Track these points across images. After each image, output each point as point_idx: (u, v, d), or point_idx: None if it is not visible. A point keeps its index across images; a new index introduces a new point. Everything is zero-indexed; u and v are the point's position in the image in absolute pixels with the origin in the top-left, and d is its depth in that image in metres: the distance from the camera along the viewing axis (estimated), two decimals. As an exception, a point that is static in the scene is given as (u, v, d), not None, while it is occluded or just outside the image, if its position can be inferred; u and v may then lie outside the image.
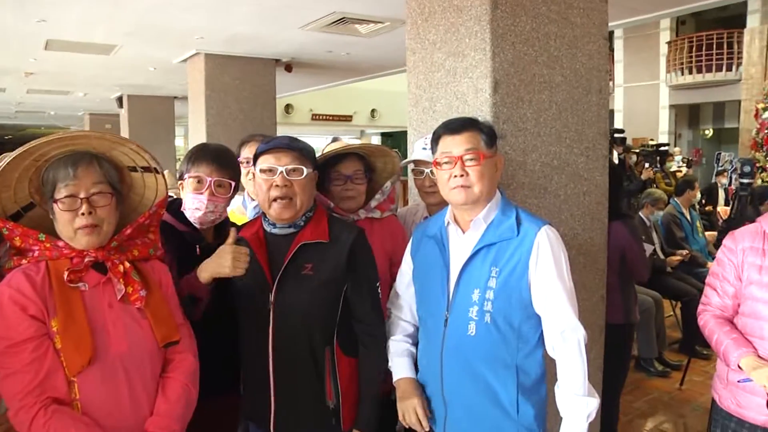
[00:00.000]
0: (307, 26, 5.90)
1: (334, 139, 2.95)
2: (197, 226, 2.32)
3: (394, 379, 2.21)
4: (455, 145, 2.02)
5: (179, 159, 16.87)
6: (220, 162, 2.29)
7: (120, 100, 11.78)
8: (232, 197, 2.37)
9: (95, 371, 1.70)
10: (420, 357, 2.21)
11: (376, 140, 23.23)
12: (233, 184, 2.32)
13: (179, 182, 2.35)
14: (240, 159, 3.00)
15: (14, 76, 9.16)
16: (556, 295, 1.96)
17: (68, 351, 1.67)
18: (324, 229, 2.16)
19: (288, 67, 7.80)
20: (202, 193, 2.25)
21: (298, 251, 2.11)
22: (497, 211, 2.06)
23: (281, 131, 8.02)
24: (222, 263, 2.06)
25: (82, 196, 1.72)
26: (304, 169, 2.11)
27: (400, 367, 2.21)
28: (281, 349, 2.11)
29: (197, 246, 2.32)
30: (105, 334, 1.73)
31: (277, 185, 2.09)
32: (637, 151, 9.71)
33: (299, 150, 2.12)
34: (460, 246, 2.08)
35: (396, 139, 21.38)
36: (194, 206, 2.27)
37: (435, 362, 2.08)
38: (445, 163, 2.04)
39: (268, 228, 2.19)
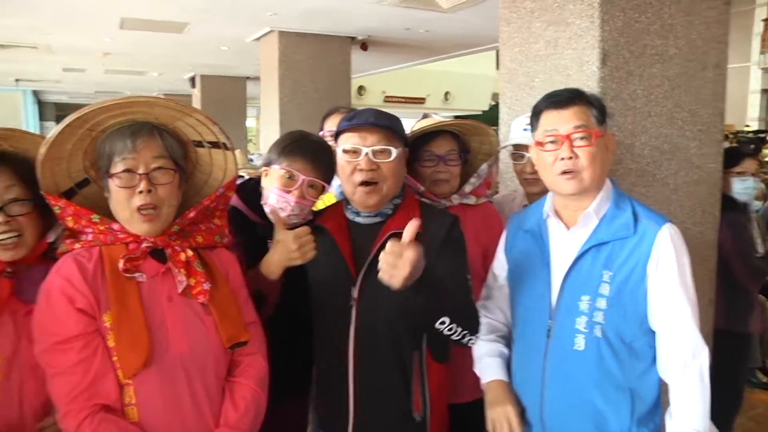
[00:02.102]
0: (385, 0, 5.66)
1: (425, 115, 2.69)
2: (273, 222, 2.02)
3: (484, 381, 1.94)
4: (562, 121, 1.72)
5: (250, 140, 16.98)
6: (318, 159, 1.98)
7: (192, 80, 11.92)
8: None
9: (152, 374, 1.51)
10: (515, 370, 1.93)
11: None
12: (325, 186, 2.03)
13: (263, 169, 2.04)
14: (323, 132, 2.75)
15: (92, 56, 9.34)
16: (678, 309, 1.68)
17: (122, 350, 1.48)
18: (415, 216, 1.88)
19: (364, 46, 7.61)
20: (290, 192, 1.94)
21: (386, 242, 1.85)
22: (610, 204, 1.76)
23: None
24: (290, 254, 1.85)
25: (141, 171, 1.52)
26: (393, 150, 1.84)
27: (490, 369, 1.94)
28: (364, 351, 1.87)
29: (269, 240, 2.04)
30: (164, 332, 1.53)
31: (361, 169, 1.83)
32: (736, 138, 9.12)
33: (388, 128, 1.84)
34: (565, 244, 1.79)
35: (469, 123, 21.21)
36: (278, 205, 1.95)
37: (535, 379, 1.80)
38: (550, 142, 1.74)
39: (351, 216, 1.95)
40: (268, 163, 2.01)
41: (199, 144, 1.66)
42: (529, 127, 2.06)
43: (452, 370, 2.10)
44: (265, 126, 7.39)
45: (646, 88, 2.56)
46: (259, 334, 1.75)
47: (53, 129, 1.51)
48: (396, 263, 1.56)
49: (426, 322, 1.76)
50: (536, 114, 1.80)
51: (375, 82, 17.75)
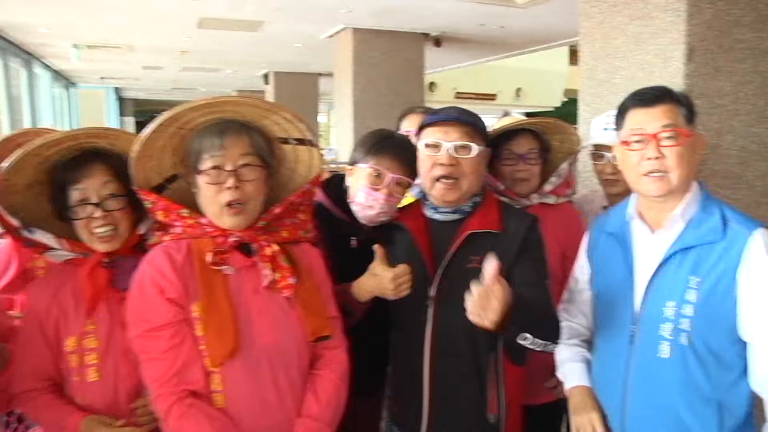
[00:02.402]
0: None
1: (506, 113, 2.67)
2: (361, 221, 2.04)
3: (567, 386, 1.90)
4: (649, 119, 1.66)
5: (321, 135, 17.11)
6: (404, 157, 1.99)
7: (266, 77, 12.09)
8: None
9: (238, 364, 1.55)
10: (596, 375, 1.88)
11: (518, 121, 22.76)
12: (411, 183, 2.03)
13: (349, 168, 2.07)
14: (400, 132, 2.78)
15: (171, 55, 9.62)
16: None
17: (210, 340, 1.53)
18: (494, 218, 1.88)
19: (437, 42, 7.57)
20: (378, 190, 1.96)
21: (464, 242, 1.85)
22: (697, 207, 1.69)
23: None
24: (383, 287, 1.82)
25: (228, 168, 1.55)
26: (474, 147, 1.84)
27: (574, 374, 1.89)
28: (440, 350, 1.87)
29: (353, 238, 2.07)
30: (250, 324, 1.57)
31: (441, 163, 1.83)
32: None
33: (470, 124, 1.85)
34: (649, 247, 1.73)
35: (540, 120, 20.87)
36: (367, 203, 1.97)
37: (616, 386, 1.75)
38: (636, 141, 1.68)
39: (429, 213, 1.95)
40: (353, 162, 2.03)
41: (285, 141, 1.69)
42: (609, 126, 2.02)
43: (528, 371, 2.06)
44: (339, 122, 7.44)
45: (734, 85, 2.48)
46: (341, 329, 1.77)
47: (146, 127, 1.56)
48: (485, 305, 1.54)
49: (507, 339, 1.74)
50: (622, 112, 1.74)
51: (446, 78, 17.65)
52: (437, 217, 1.93)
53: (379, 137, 2.04)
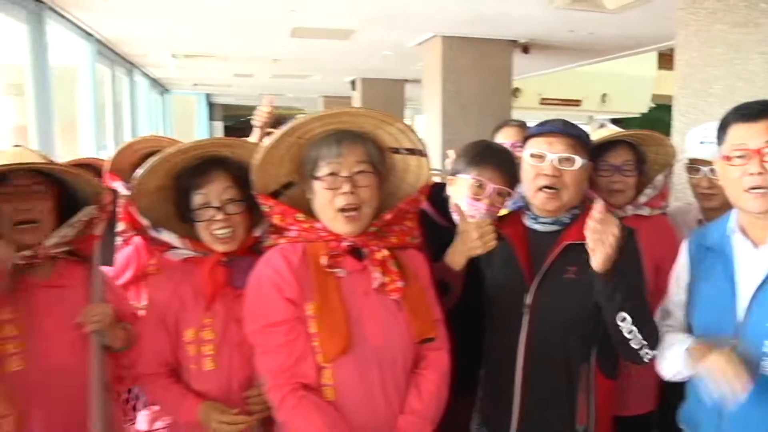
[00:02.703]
0: (552, 2, 5.59)
1: (602, 125, 2.70)
2: None
3: (684, 348, 1.77)
4: (753, 135, 1.64)
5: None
6: (505, 168, 2.08)
7: (353, 83, 12.22)
8: None
9: (349, 360, 1.65)
10: (692, 392, 1.85)
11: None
12: (511, 193, 2.11)
13: (450, 177, 2.15)
14: None
15: (262, 63, 9.88)
16: None
17: (323, 337, 1.64)
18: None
19: (525, 49, 7.53)
20: (480, 200, 2.05)
21: (562, 252, 1.89)
22: None
23: (511, 115, 7.82)
24: (472, 242, 1.93)
25: (344, 174, 1.65)
26: (578, 159, 1.88)
27: (687, 341, 1.79)
28: (533, 358, 1.91)
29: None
30: (361, 324, 1.67)
31: (545, 174, 1.88)
32: None
33: (575, 137, 1.90)
34: (753, 261, 1.70)
35: (624, 126, 20.25)
36: (469, 212, 2.05)
37: (714, 405, 1.70)
38: (738, 157, 1.66)
39: (529, 223, 2.00)
40: (455, 172, 2.11)
41: (396, 150, 1.77)
42: (706, 140, 2.01)
43: (620, 381, 2.07)
44: (426, 129, 7.49)
45: None
46: (444, 332, 1.83)
47: (269, 138, 1.68)
48: (603, 238, 1.64)
49: (607, 316, 1.77)
50: (724, 126, 1.73)
51: (530, 84, 17.42)
52: (537, 227, 1.97)
53: (481, 148, 2.13)
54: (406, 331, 1.72)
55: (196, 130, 17.67)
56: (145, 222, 1.84)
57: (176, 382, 1.87)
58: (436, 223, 2.17)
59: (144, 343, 1.90)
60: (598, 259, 1.67)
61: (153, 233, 1.85)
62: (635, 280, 1.85)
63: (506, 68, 7.45)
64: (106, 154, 7.89)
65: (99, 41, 7.50)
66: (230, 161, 1.84)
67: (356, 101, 12.20)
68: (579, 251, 1.84)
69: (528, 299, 1.91)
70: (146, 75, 11.68)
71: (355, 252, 1.71)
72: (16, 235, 1.75)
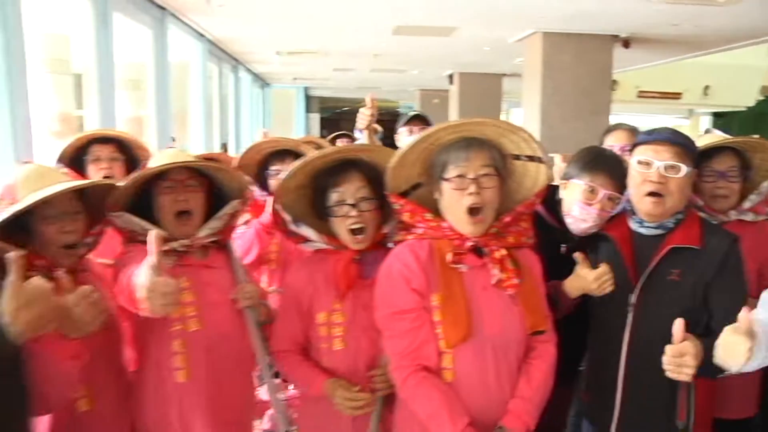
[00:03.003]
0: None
1: (707, 131, 2.75)
2: (574, 232, 2.25)
3: None
4: None
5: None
6: (616, 174, 2.17)
7: (451, 77, 12.27)
8: None
9: (468, 348, 1.81)
10: None
11: (706, 121, 21.39)
12: (621, 198, 2.19)
13: (562, 182, 2.27)
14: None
15: (362, 58, 10.15)
16: None
17: (446, 325, 1.80)
18: (696, 234, 2.00)
19: (626, 43, 7.41)
20: (592, 205, 2.15)
21: (666, 255, 1.99)
22: None
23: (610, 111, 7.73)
24: (589, 288, 2.03)
25: (471, 176, 1.80)
26: (683, 168, 1.97)
27: None
28: (636, 354, 2.03)
29: (563, 245, 2.27)
30: (480, 315, 1.82)
31: (651, 180, 1.98)
32: None
33: (682, 146, 1.99)
34: None
35: (728, 120, 19.40)
36: (581, 217, 2.18)
37: None
38: None
39: (634, 227, 2.10)
40: (568, 177, 2.23)
41: (516, 157, 1.92)
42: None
43: (722, 384, 2.11)
44: (525, 125, 7.50)
45: None
46: (552, 326, 1.98)
47: (404, 145, 1.86)
48: (681, 363, 1.70)
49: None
50: None
51: (628, 76, 16.96)
52: (642, 230, 2.07)
53: (594, 155, 2.24)
54: (519, 323, 1.86)
55: (294, 121, 18.12)
56: (287, 217, 2.06)
57: (306, 359, 2.09)
58: (547, 223, 2.29)
59: (279, 323, 2.14)
60: (686, 378, 1.74)
61: (293, 227, 2.07)
62: (736, 294, 1.94)
63: (606, 63, 7.37)
64: (215, 144, 8.44)
65: (210, 41, 7.97)
66: (364, 163, 2.03)
67: (453, 95, 12.29)
68: (682, 255, 1.96)
69: (633, 299, 2.03)
70: (250, 71, 12.18)
71: (476, 250, 1.86)
72: (176, 226, 2.01)
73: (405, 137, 3.48)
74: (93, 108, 4.68)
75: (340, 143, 6.37)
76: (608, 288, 2.02)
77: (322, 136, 7.18)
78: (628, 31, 7.17)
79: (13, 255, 1.41)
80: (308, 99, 19.27)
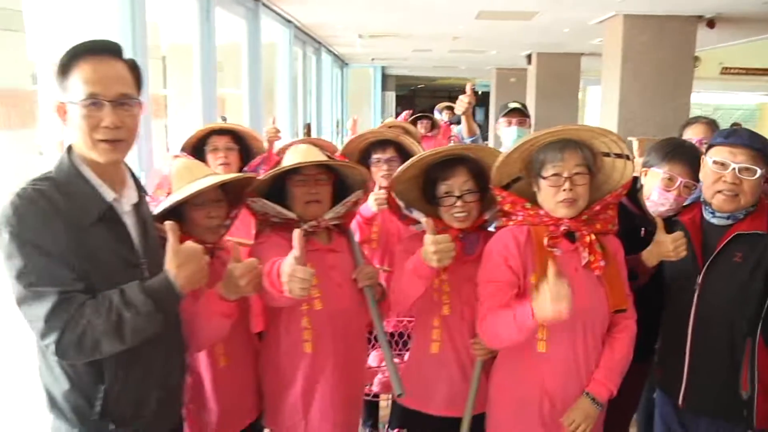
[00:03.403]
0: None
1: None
2: (653, 215, 2.44)
3: None
4: None
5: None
6: (693, 164, 2.38)
7: (529, 57, 12.29)
8: None
9: (561, 321, 2.03)
10: None
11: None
12: (697, 186, 2.40)
13: (642, 169, 2.51)
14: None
15: (442, 40, 10.35)
16: None
17: (540, 301, 1.99)
18: (763, 221, 2.19)
19: (710, 23, 7.28)
20: (670, 192, 2.40)
21: (731, 240, 2.18)
22: None
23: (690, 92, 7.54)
24: (666, 250, 2.24)
25: (565, 175, 2.04)
26: (758, 171, 2.14)
27: None
28: (700, 331, 2.25)
29: (642, 228, 2.50)
30: (572, 294, 2.06)
31: (725, 181, 2.16)
32: None
33: (758, 150, 2.15)
34: None
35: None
36: (659, 202, 2.42)
37: None
38: None
39: (707, 216, 2.29)
40: (648, 165, 2.47)
41: (606, 155, 2.16)
42: None
43: None
44: (603, 107, 7.54)
45: None
46: (633, 305, 2.21)
47: (509, 148, 2.15)
48: None
49: None
50: None
51: (711, 52, 16.48)
52: (713, 221, 2.27)
53: (673, 146, 2.47)
54: (604, 301, 2.10)
55: (371, 99, 18.43)
56: (400, 203, 2.36)
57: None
58: (628, 210, 2.53)
59: None
60: None
61: (406, 212, 2.36)
62: None
63: (688, 44, 7.22)
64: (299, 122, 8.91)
65: (296, 26, 8.36)
66: (470, 159, 2.29)
67: (531, 75, 12.32)
68: (747, 239, 2.16)
69: (699, 280, 2.25)
70: (331, 52, 12.55)
71: (569, 236, 2.11)
72: (306, 210, 2.29)
73: (504, 128, 3.83)
74: (175, 88, 5.13)
75: (421, 125, 6.66)
76: (683, 253, 2.21)
77: (397, 114, 7.43)
78: (714, 11, 7.02)
79: (169, 224, 1.74)
80: (384, 77, 19.48)
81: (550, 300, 1.83)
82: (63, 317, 1.56)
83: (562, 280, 1.83)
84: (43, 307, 1.56)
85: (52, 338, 1.57)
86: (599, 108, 7.89)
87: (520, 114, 3.82)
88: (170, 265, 1.71)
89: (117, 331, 1.60)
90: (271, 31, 7.77)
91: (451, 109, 7.98)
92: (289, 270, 1.80)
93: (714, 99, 20.76)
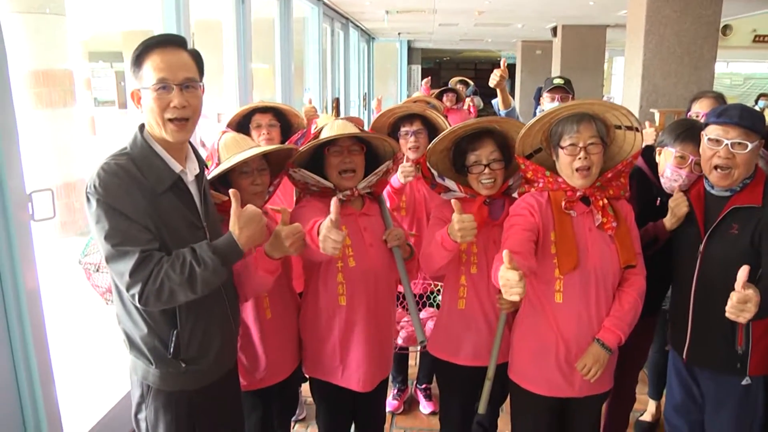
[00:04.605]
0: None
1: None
2: (666, 190, 2.69)
3: None
4: None
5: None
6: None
7: (554, 29, 12.33)
8: None
9: (576, 275, 2.29)
10: None
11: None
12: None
13: (658, 148, 2.74)
14: (690, 113, 3.30)
15: (467, 15, 10.49)
16: None
17: (561, 256, 2.27)
18: (758, 194, 2.38)
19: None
20: (682, 169, 2.62)
21: (729, 212, 2.39)
22: None
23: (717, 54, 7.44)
24: (679, 220, 2.53)
25: (581, 145, 2.25)
26: (749, 145, 2.31)
27: None
28: (701, 291, 2.47)
29: (658, 198, 2.73)
30: (586, 251, 2.30)
31: (719, 156, 2.35)
32: None
33: (748, 127, 2.31)
34: None
35: None
36: (673, 178, 2.64)
37: None
38: None
39: (708, 187, 2.51)
40: (662, 145, 2.70)
41: (618, 127, 2.36)
42: None
43: None
44: (627, 80, 7.57)
45: None
46: (642, 263, 2.42)
47: (529, 122, 2.36)
48: (743, 309, 2.01)
49: None
50: None
51: (744, 20, 16.15)
52: (713, 192, 2.48)
53: (685, 127, 2.68)
54: (615, 258, 2.32)
55: (397, 73, 18.54)
56: (434, 172, 2.59)
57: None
58: (647, 178, 2.78)
59: None
60: (741, 321, 2.05)
61: (438, 180, 2.59)
62: None
63: (714, 15, 7.17)
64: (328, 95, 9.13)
65: (325, 3, 8.56)
66: (496, 131, 2.51)
67: (557, 47, 12.37)
68: (743, 212, 2.37)
69: (701, 248, 2.47)
70: (358, 27, 12.69)
71: (584, 199, 2.34)
72: (341, 181, 2.52)
73: (548, 104, 4.08)
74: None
75: (446, 98, 6.85)
76: (684, 209, 2.52)
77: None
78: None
79: (232, 191, 1.99)
80: (410, 51, 19.51)
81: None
82: (145, 272, 1.82)
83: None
84: (127, 264, 1.82)
85: (136, 289, 1.83)
86: (622, 81, 7.89)
87: (563, 91, 4.07)
88: (233, 226, 1.96)
89: (190, 283, 1.86)
90: (301, 8, 7.98)
91: (464, 83, 8.20)
92: (324, 231, 2.02)
93: (745, 69, 20.49)
